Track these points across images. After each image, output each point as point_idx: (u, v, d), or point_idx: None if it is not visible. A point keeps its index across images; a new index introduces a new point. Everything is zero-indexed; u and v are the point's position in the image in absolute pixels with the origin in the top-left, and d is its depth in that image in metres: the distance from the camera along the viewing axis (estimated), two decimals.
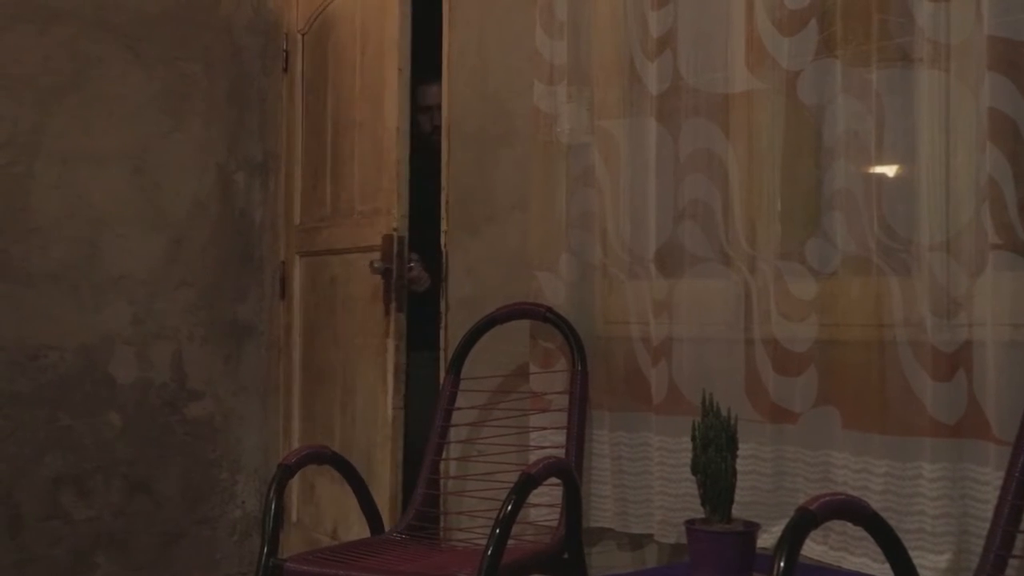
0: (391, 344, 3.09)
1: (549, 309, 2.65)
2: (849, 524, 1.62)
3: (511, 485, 2.03)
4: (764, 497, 2.25)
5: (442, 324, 3.08)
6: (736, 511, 1.90)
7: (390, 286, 3.08)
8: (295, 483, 3.37)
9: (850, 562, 2.08)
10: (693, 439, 1.90)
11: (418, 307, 3.24)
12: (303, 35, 3.73)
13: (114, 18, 3.31)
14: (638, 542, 2.57)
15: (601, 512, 2.59)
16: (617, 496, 2.54)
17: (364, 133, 3.32)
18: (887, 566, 1.62)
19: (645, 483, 2.49)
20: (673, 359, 2.42)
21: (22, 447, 3.12)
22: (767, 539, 2.07)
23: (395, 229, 3.07)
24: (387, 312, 3.10)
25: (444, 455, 2.79)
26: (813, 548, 2.12)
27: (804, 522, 1.50)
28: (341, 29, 3.49)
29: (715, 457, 1.86)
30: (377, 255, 3.09)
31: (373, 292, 3.16)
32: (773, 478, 2.25)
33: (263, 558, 2.29)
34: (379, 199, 3.17)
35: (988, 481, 1.90)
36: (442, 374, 2.92)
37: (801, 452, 2.21)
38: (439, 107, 3.43)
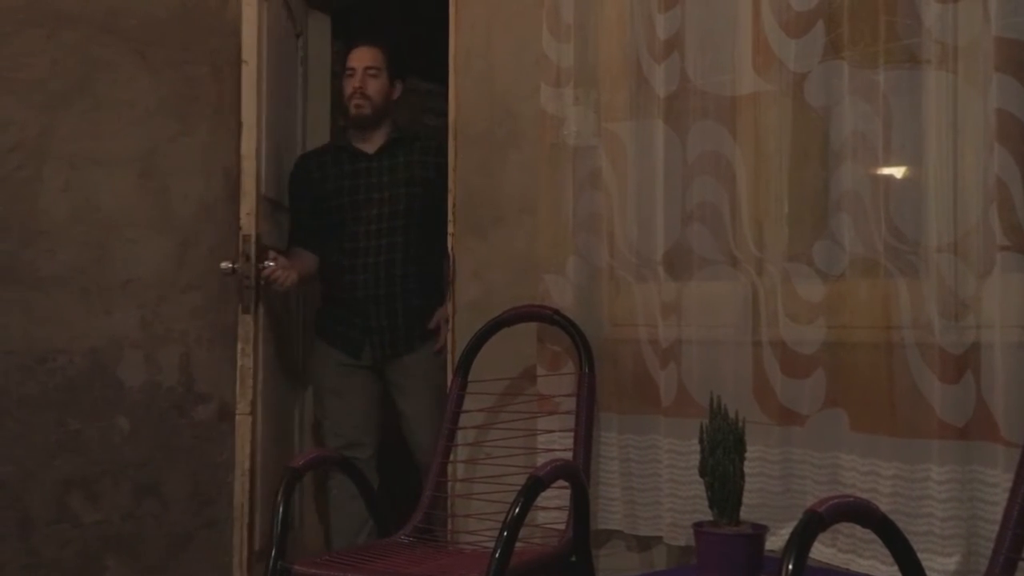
0: (239, 347, 3.07)
1: (556, 311, 2.65)
2: (857, 527, 1.62)
3: (519, 488, 2.03)
4: (772, 499, 2.25)
5: (449, 327, 3.08)
6: (744, 513, 1.89)
7: (239, 287, 3.09)
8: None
9: (859, 565, 2.07)
10: (701, 441, 1.90)
11: None
12: (297, 36, 3.76)
13: (122, 22, 3.32)
14: (646, 544, 2.56)
15: (609, 514, 2.58)
16: (626, 498, 2.54)
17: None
18: (896, 569, 1.61)
19: (654, 485, 2.49)
20: (682, 361, 2.42)
21: (31, 450, 3.12)
22: (775, 541, 2.06)
23: (240, 227, 3.09)
24: (238, 314, 3.09)
25: (451, 457, 2.79)
26: (822, 551, 2.12)
27: (812, 524, 1.50)
28: None
29: (723, 459, 1.86)
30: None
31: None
32: (781, 480, 2.25)
33: (271, 562, 2.30)
34: None
35: (997, 483, 1.90)
36: (449, 377, 2.93)
37: (809, 454, 2.21)
38: (368, 69, 3.41)
